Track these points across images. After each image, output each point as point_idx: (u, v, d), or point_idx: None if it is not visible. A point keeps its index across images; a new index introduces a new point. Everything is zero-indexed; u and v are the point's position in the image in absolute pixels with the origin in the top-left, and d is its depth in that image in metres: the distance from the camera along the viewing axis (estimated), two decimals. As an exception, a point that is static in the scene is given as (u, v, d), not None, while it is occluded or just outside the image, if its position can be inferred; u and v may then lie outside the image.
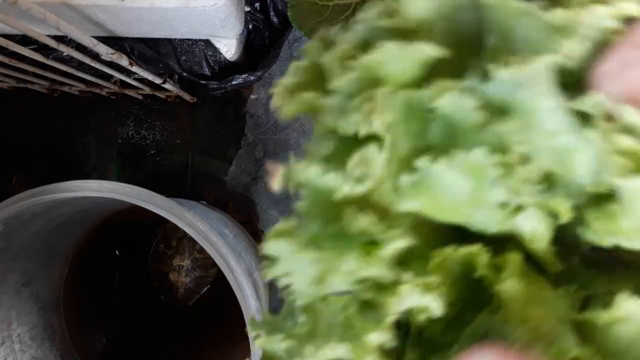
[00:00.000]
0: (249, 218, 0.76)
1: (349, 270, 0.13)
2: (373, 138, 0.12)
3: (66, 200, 0.49)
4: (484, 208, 0.12)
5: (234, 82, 0.60)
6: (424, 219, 0.13)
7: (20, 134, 0.78)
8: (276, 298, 0.77)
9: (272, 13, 0.60)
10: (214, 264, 0.79)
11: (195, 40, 0.58)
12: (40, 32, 0.40)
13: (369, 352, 0.12)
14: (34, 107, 0.77)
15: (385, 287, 0.13)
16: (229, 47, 0.59)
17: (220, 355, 0.68)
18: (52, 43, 0.42)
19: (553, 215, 0.12)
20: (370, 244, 0.13)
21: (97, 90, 0.69)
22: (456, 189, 0.12)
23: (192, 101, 0.74)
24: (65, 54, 0.50)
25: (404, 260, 0.13)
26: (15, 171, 0.78)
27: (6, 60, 0.53)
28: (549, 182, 0.12)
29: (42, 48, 0.52)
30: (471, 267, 0.13)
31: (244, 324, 0.47)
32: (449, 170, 0.12)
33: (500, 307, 0.12)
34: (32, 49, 0.48)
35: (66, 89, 0.69)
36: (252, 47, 0.63)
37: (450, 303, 0.12)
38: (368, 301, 0.13)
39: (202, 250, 0.80)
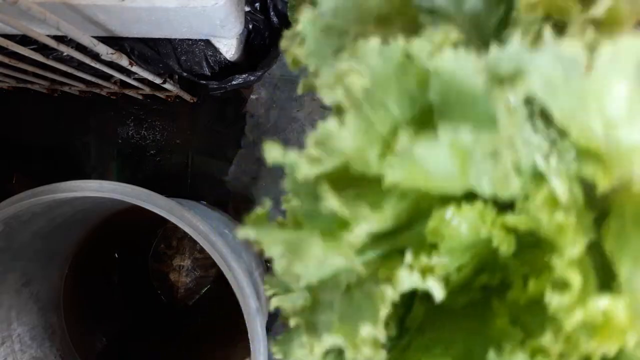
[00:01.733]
0: (249, 218, 0.76)
1: (317, 257, 0.12)
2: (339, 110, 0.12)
3: (66, 200, 0.49)
4: (470, 182, 0.12)
5: (234, 82, 0.60)
6: (413, 188, 0.12)
7: (20, 134, 0.78)
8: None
9: (272, 13, 0.60)
10: (214, 264, 0.79)
11: (195, 40, 0.58)
12: (40, 32, 0.40)
13: (364, 343, 0.12)
14: (34, 107, 0.77)
15: (383, 265, 0.13)
16: (229, 47, 0.59)
17: (220, 355, 0.68)
18: (52, 43, 0.42)
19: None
20: (341, 225, 0.12)
21: (97, 90, 0.69)
22: (441, 167, 0.11)
23: (192, 101, 0.74)
24: (65, 54, 0.50)
25: (391, 233, 0.13)
26: (15, 171, 0.78)
27: (6, 60, 0.53)
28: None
29: (42, 48, 0.52)
30: (474, 227, 0.12)
31: (244, 324, 0.47)
32: (432, 149, 0.11)
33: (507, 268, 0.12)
34: (32, 49, 0.48)
35: (66, 89, 0.69)
36: (252, 47, 0.63)
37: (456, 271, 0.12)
38: (367, 278, 0.13)
39: (202, 250, 0.80)
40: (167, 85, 0.62)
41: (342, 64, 0.11)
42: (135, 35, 0.55)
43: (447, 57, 0.10)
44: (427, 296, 0.12)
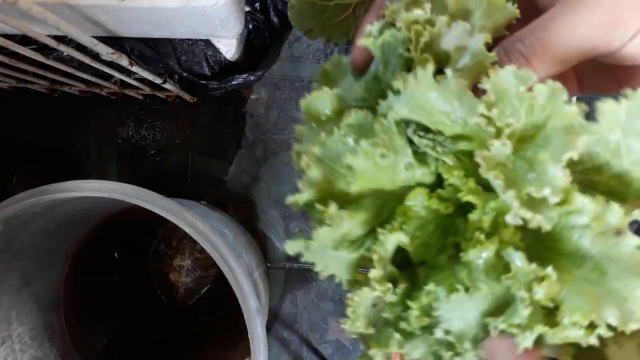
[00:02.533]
0: (249, 218, 0.76)
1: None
2: None
3: (66, 200, 0.49)
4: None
5: (234, 82, 0.60)
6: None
7: (20, 134, 0.78)
8: (276, 297, 0.77)
9: (272, 13, 0.60)
10: (214, 264, 0.79)
11: (195, 40, 0.58)
12: (40, 32, 0.40)
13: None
14: (34, 107, 0.77)
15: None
16: (229, 47, 0.59)
17: (220, 355, 0.68)
18: (52, 43, 0.42)
19: None
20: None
21: (97, 90, 0.69)
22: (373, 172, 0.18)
23: (192, 101, 0.74)
24: (65, 54, 0.50)
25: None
26: (15, 171, 0.78)
27: (6, 60, 0.53)
28: None
29: (42, 48, 0.52)
30: (424, 204, 0.18)
31: (244, 324, 0.47)
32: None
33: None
34: (32, 49, 0.48)
35: (66, 89, 0.69)
36: (252, 47, 0.63)
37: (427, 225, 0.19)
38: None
39: (202, 251, 0.80)
40: (167, 85, 0.62)
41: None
42: (135, 35, 0.55)
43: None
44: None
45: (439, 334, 0.17)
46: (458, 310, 0.17)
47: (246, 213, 0.76)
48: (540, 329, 0.16)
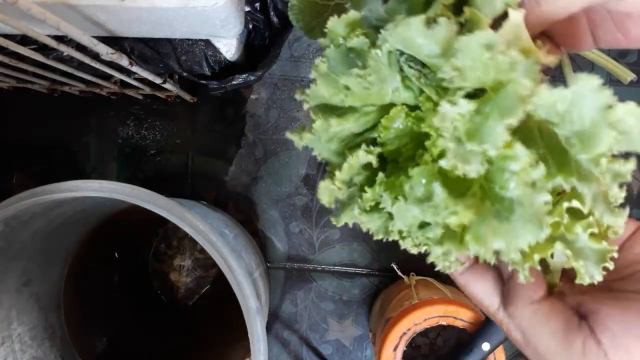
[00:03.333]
0: (249, 218, 0.76)
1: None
2: None
3: (66, 200, 0.49)
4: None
5: (234, 82, 0.60)
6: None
7: (20, 134, 0.78)
8: (276, 297, 0.77)
9: (272, 13, 0.60)
10: (214, 264, 0.79)
11: (195, 40, 0.58)
12: (40, 32, 0.40)
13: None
14: (34, 107, 0.77)
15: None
16: (229, 47, 0.59)
17: (220, 355, 0.68)
18: (52, 43, 0.42)
19: None
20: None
21: (97, 90, 0.69)
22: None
23: (192, 101, 0.74)
24: (65, 54, 0.50)
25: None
26: (15, 171, 0.78)
27: (6, 60, 0.53)
28: None
29: (42, 48, 0.52)
30: (404, 121, 0.22)
31: (244, 324, 0.47)
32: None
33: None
34: (32, 49, 0.48)
35: (66, 89, 0.69)
36: (252, 47, 0.63)
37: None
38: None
39: (203, 251, 0.80)
40: (167, 85, 0.62)
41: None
42: (135, 35, 0.55)
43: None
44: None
45: (390, 226, 0.22)
46: (399, 213, 0.22)
47: (246, 213, 0.76)
48: (448, 245, 0.20)
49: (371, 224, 0.24)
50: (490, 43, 0.17)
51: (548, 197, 0.18)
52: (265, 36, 0.62)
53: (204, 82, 0.61)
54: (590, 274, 0.21)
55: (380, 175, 0.22)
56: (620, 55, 0.69)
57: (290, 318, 0.76)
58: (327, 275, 0.75)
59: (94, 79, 0.60)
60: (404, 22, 0.19)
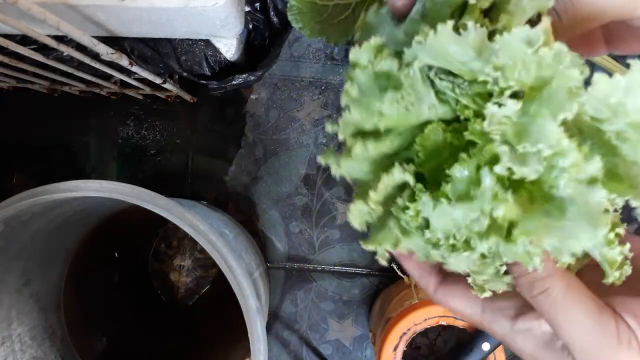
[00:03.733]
0: (249, 218, 0.76)
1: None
2: None
3: (66, 201, 0.49)
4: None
5: (234, 82, 0.60)
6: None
7: (20, 134, 0.78)
8: (276, 297, 0.77)
9: (272, 13, 0.60)
10: (214, 264, 0.79)
11: (195, 40, 0.58)
12: (40, 32, 0.40)
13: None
14: (34, 107, 0.77)
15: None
16: (229, 47, 0.59)
17: (220, 355, 0.68)
18: (52, 43, 0.42)
19: None
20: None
21: (97, 90, 0.69)
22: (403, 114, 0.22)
23: (192, 101, 0.74)
24: (65, 54, 0.50)
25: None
26: (15, 171, 0.78)
27: (6, 60, 0.53)
28: None
29: (42, 48, 0.52)
30: (441, 135, 0.22)
31: (244, 324, 0.47)
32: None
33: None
34: (32, 49, 0.48)
35: (66, 89, 0.69)
36: (252, 47, 0.63)
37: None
38: None
39: (203, 251, 0.80)
40: (167, 85, 0.62)
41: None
42: (135, 35, 0.55)
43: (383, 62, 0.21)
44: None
45: (427, 234, 0.21)
46: (442, 214, 0.21)
47: (246, 213, 0.76)
48: (494, 240, 0.19)
49: (413, 245, 0.23)
50: (531, 38, 0.17)
51: (604, 194, 0.17)
52: (265, 36, 0.62)
53: (204, 82, 0.61)
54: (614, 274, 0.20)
55: (419, 186, 0.21)
56: (620, 55, 0.69)
57: (290, 318, 0.76)
58: (327, 275, 0.75)
59: (94, 79, 0.60)
60: (435, 33, 0.18)
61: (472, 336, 0.56)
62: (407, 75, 0.20)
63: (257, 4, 0.59)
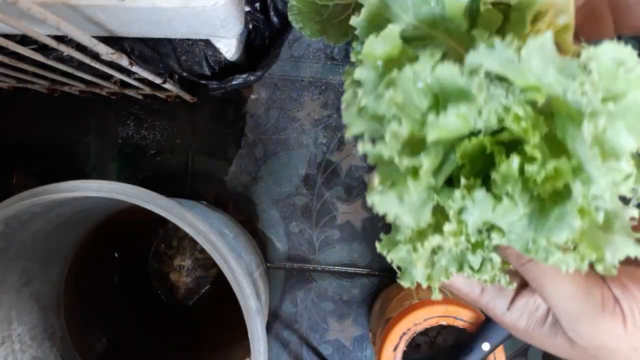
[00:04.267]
0: (249, 218, 0.76)
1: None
2: None
3: (66, 200, 0.49)
4: None
5: (234, 82, 0.60)
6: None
7: (20, 134, 0.78)
8: (276, 297, 0.77)
9: (272, 13, 0.60)
10: (214, 264, 0.79)
11: (195, 40, 0.58)
12: (40, 32, 0.40)
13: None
14: (34, 107, 0.77)
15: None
16: (229, 47, 0.59)
17: (220, 355, 0.68)
18: (52, 43, 0.42)
19: None
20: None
21: (97, 90, 0.69)
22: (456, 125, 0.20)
23: (192, 101, 0.74)
24: (65, 54, 0.50)
25: None
26: (16, 171, 0.78)
27: (6, 60, 0.53)
28: None
29: (42, 48, 0.52)
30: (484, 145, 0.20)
31: (244, 324, 0.47)
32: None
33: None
34: (32, 49, 0.48)
35: (66, 89, 0.69)
36: (252, 47, 0.63)
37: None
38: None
39: (203, 251, 0.80)
40: (167, 85, 0.62)
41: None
42: (135, 35, 0.55)
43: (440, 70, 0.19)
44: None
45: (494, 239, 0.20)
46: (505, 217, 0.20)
47: (246, 213, 0.76)
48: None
49: (482, 276, 0.22)
50: (622, 56, 0.16)
51: (636, 213, 0.18)
52: (265, 36, 0.62)
53: (204, 82, 0.61)
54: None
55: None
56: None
57: (290, 318, 0.76)
58: (327, 275, 0.75)
59: (94, 79, 0.60)
60: (515, 44, 0.17)
61: (472, 336, 0.56)
62: (480, 85, 0.18)
63: (257, 4, 0.59)
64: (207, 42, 0.59)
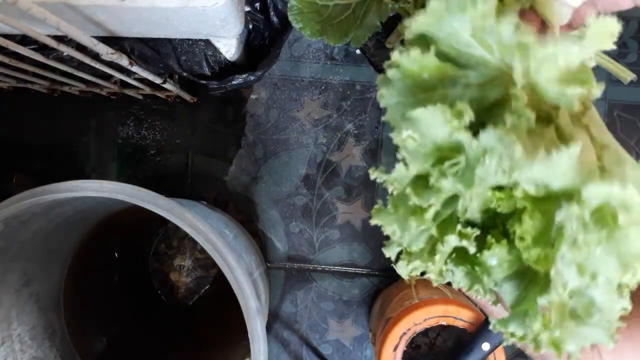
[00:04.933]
0: (249, 218, 0.76)
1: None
2: None
3: (66, 200, 0.49)
4: None
5: (234, 82, 0.60)
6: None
7: (20, 134, 0.78)
8: (276, 297, 0.77)
9: (272, 13, 0.60)
10: (214, 264, 0.79)
11: (195, 40, 0.58)
12: (40, 32, 0.40)
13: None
14: (34, 107, 0.77)
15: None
16: (229, 47, 0.59)
17: (220, 355, 0.68)
18: (52, 43, 0.42)
19: None
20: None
21: (97, 90, 0.69)
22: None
23: (192, 101, 0.74)
24: (65, 54, 0.50)
25: None
26: (16, 171, 0.78)
27: (6, 60, 0.53)
28: None
29: (42, 48, 0.52)
30: None
31: (244, 324, 0.47)
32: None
33: None
34: (32, 49, 0.48)
35: (66, 89, 0.69)
36: (252, 47, 0.63)
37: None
38: None
39: (203, 251, 0.80)
40: (167, 85, 0.62)
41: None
42: (135, 35, 0.55)
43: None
44: None
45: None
46: None
47: (246, 213, 0.76)
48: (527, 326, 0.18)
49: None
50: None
51: (627, 304, 0.17)
52: (265, 36, 0.62)
53: (204, 82, 0.61)
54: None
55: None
56: (620, 55, 0.69)
57: (290, 318, 0.76)
58: (327, 275, 0.75)
59: (94, 79, 0.60)
60: None
61: (472, 336, 0.56)
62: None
63: (257, 4, 0.59)
64: (207, 42, 0.59)
